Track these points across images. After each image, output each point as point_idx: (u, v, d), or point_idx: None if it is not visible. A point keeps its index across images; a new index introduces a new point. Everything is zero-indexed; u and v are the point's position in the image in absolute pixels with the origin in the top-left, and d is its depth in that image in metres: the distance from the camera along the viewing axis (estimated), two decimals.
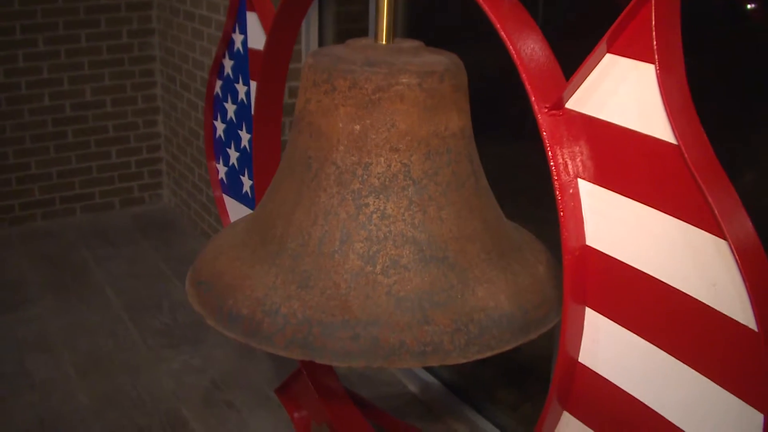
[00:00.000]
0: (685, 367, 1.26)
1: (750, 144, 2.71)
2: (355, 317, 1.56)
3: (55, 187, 5.35)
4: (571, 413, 1.52)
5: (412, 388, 3.48)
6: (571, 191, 1.41)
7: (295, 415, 2.71)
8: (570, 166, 1.41)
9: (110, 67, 5.29)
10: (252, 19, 2.52)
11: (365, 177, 1.62)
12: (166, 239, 5.12)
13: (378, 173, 1.62)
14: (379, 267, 1.60)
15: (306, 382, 2.53)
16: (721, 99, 2.62)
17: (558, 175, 1.41)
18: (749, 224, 1.18)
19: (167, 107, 5.41)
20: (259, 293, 1.64)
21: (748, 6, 2.95)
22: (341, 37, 3.96)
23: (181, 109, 5.15)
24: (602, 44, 1.32)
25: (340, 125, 1.64)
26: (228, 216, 2.94)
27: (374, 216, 1.62)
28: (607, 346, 1.41)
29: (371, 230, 1.61)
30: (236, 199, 2.85)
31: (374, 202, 1.62)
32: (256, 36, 2.51)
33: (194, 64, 4.78)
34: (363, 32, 3.82)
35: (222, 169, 2.91)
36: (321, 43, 3.93)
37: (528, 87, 1.43)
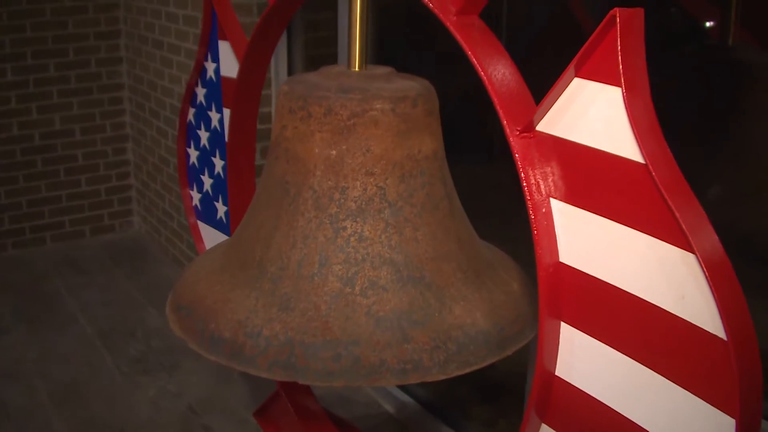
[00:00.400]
0: (658, 376, 1.31)
1: (713, 158, 2.79)
2: (336, 338, 1.59)
3: (25, 216, 5.35)
4: (549, 425, 1.57)
5: (388, 407, 3.51)
6: (543, 210, 1.46)
7: None
8: (542, 186, 1.46)
9: (79, 95, 5.31)
10: (224, 48, 2.55)
11: (342, 201, 1.66)
12: (138, 266, 5.12)
13: (354, 197, 1.65)
14: (358, 288, 1.63)
15: (285, 403, 2.56)
16: (686, 115, 2.70)
17: (531, 195, 1.46)
18: (715, 238, 1.23)
19: (136, 135, 5.43)
20: (240, 316, 1.66)
21: (707, 24, 3.04)
22: (310, 62, 4.01)
23: (150, 137, 5.17)
24: (570, 69, 1.37)
25: (317, 151, 1.67)
26: (203, 242, 2.96)
27: (352, 239, 1.65)
28: (582, 359, 1.46)
29: (349, 253, 1.64)
30: (211, 225, 2.88)
31: (351, 225, 1.65)
32: (228, 64, 2.55)
33: (163, 92, 4.80)
34: (331, 58, 3.87)
35: (196, 196, 2.94)
36: (290, 70, 3.97)
37: (499, 111, 1.48)
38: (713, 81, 2.83)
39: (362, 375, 1.57)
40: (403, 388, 3.54)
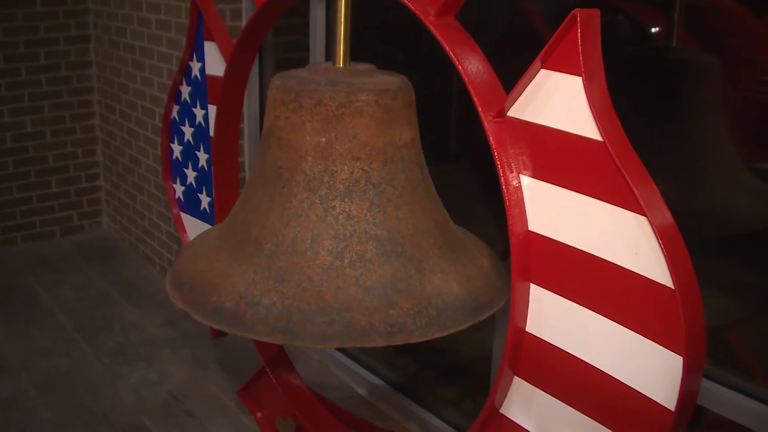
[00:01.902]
0: (616, 324, 1.52)
1: (656, 151, 2.99)
2: (329, 305, 1.77)
3: None
4: (521, 377, 1.77)
5: (360, 390, 3.69)
6: (514, 185, 1.67)
7: (258, 414, 2.91)
8: (513, 164, 1.67)
9: (50, 98, 5.42)
10: (210, 48, 2.73)
11: (331, 183, 1.84)
12: (110, 265, 5.25)
13: (342, 179, 1.83)
14: (347, 261, 1.81)
15: (270, 380, 2.73)
16: (632, 110, 2.90)
17: (503, 171, 1.66)
18: (663, 203, 1.45)
19: (106, 137, 5.55)
20: (240, 288, 1.83)
21: (653, 29, 3.26)
22: (280, 65, 4.19)
23: (120, 138, 5.30)
24: (537, 62, 1.58)
25: (308, 138, 1.85)
26: (186, 232, 3.13)
27: (341, 217, 1.83)
28: (550, 315, 1.67)
29: (338, 229, 1.82)
30: (194, 216, 3.05)
31: (340, 204, 1.83)
32: (214, 63, 2.72)
33: (135, 94, 4.94)
34: (301, 60, 4.05)
35: (179, 189, 3.10)
36: (261, 71, 4.14)
37: (475, 99, 1.68)
38: (658, 79, 3.04)
39: (353, 337, 1.76)
40: (374, 371, 3.72)
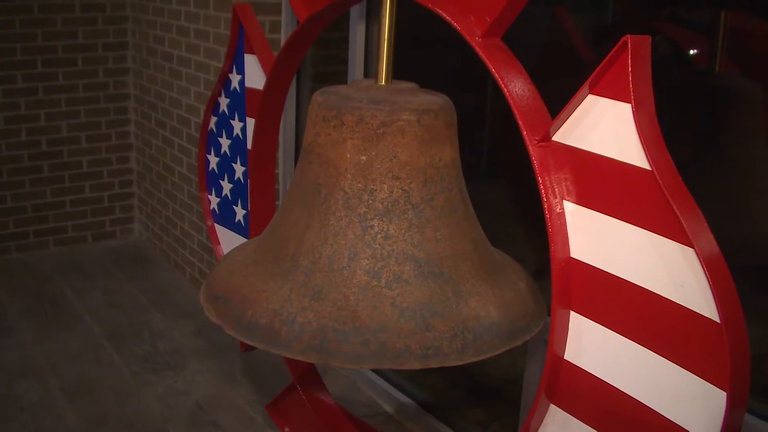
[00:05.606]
0: (658, 356, 1.49)
1: (698, 177, 2.96)
2: (364, 325, 1.75)
3: (30, 220, 5.49)
4: (557, 405, 1.74)
5: (388, 408, 3.67)
6: (557, 211, 1.64)
7: (286, 429, 2.89)
8: (556, 190, 1.65)
9: (86, 104, 5.47)
10: (250, 61, 2.73)
11: (370, 202, 1.82)
12: (141, 272, 5.27)
13: (382, 198, 1.82)
14: (383, 281, 1.79)
15: (299, 396, 2.72)
16: (674, 135, 2.88)
17: (546, 197, 1.64)
18: (711, 235, 1.42)
19: (140, 144, 5.58)
20: (275, 305, 1.82)
21: (691, 52, 3.23)
22: (317, 78, 4.19)
23: (155, 146, 5.32)
24: (585, 87, 1.56)
25: (348, 156, 1.84)
26: (219, 243, 3.13)
27: (378, 236, 1.81)
28: (589, 344, 1.64)
29: (376, 249, 1.81)
30: (228, 228, 3.04)
31: (378, 224, 1.81)
32: (253, 76, 2.72)
33: (171, 103, 4.96)
34: (338, 74, 4.06)
35: (214, 200, 3.10)
36: (299, 84, 4.15)
37: (520, 123, 1.66)
38: (702, 104, 3.01)
39: (388, 359, 1.74)
40: (402, 389, 3.70)
